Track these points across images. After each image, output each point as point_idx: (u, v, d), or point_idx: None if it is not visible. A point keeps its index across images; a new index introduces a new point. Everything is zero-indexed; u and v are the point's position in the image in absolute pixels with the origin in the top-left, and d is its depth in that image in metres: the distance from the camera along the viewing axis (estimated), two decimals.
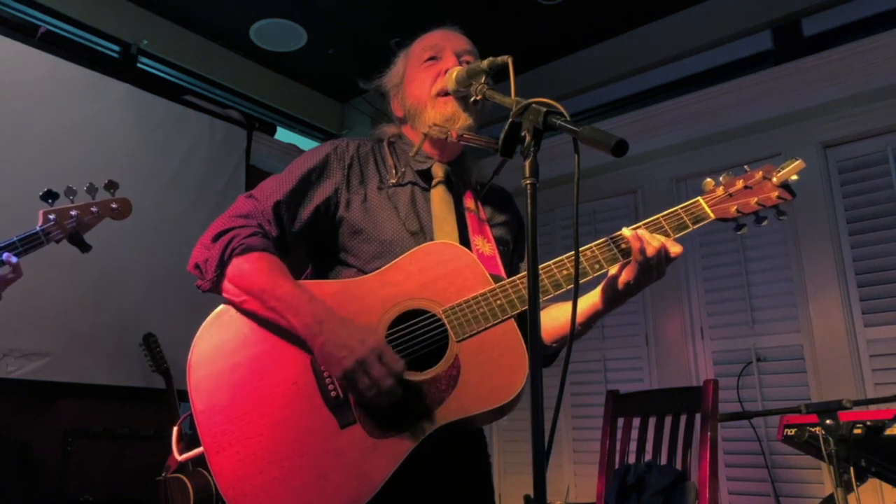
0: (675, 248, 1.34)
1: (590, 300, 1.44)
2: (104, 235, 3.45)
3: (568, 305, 1.43)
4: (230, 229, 1.38)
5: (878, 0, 3.44)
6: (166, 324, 3.51)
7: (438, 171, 1.54)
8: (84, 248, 2.26)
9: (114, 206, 2.34)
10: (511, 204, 1.68)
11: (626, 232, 1.35)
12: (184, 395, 3.49)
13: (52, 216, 2.19)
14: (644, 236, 1.32)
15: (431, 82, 1.53)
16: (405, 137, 1.60)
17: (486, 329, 1.32)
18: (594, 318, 1.44)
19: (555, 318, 1.49)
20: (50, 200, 2.18)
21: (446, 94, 1.50)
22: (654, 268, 1.33)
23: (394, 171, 1.53)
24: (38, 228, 2.17)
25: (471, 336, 1.31)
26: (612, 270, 1.38)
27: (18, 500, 3.11)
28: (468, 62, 1.53)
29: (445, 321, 1.32)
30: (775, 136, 3.57)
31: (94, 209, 2.27)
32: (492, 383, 1.28)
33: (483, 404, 1.28)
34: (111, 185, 2.28)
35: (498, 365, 1.30)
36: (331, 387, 1.30)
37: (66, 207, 2.22)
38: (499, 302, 1.33)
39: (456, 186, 1.56)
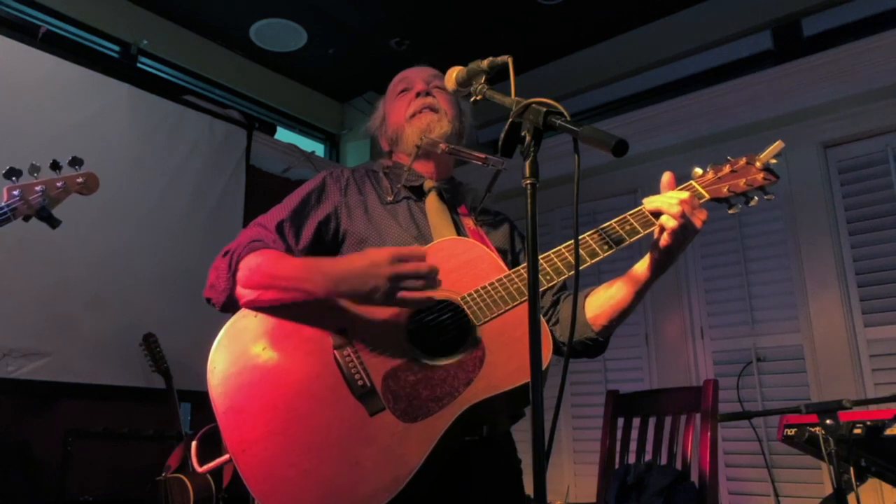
0: (694, 202, 1.35)
1: (637, 273, 1.43)
2: (105, 235, 3.48)
3: (618, 280, 1.46)
4: (237, 246, 1.43)
5: (878, 0, 3.44)
6: (166, 324, 3.51)
7: (430, 185, 1.63)
8: (53, 223, 2.22)
9: (80, 180, 2.29)
10: (506, 220, 1.73)
11: (647, 204, 1.38)
12: (184, 395, 3.48)
13: (16, 192, 2.16)
14: (666, 200, 1.35)
15: (406, 107, 1.66)
16: (397, 164, 1.69)
17: (506, 311, 1.34)
18: (644, 288, 1.43)
19: (611, 296, 1.46)
20: (13, 178, 2.17)
21: (419, 112, 1.63)
22: (689, 218, 1.33)
23: (389, 191, 1.61)
24: (2, 204, 2.14)
25: (492, 319, 1.34)
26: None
27: (18, 500, 3.11)
28: (438, 87, 1.66)
29: (465, 307, 1.35)
30: (775, 136, 3.52)
31: (59, 184, 2.24)
32: (519, 360, 1.29)
33: (511, 381, 1.29)
34: (76, 162, 2.26)
35: (522, 343, 1.29)
36: (357, 376, 1.31)
37: (30, 183, 2.20)
38: (515, 286, 1.36)
39: (449, 201, 1.64)
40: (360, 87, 4.80)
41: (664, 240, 1.35)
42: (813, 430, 2.12)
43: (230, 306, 1.40)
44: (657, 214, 1.37)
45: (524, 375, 1.28)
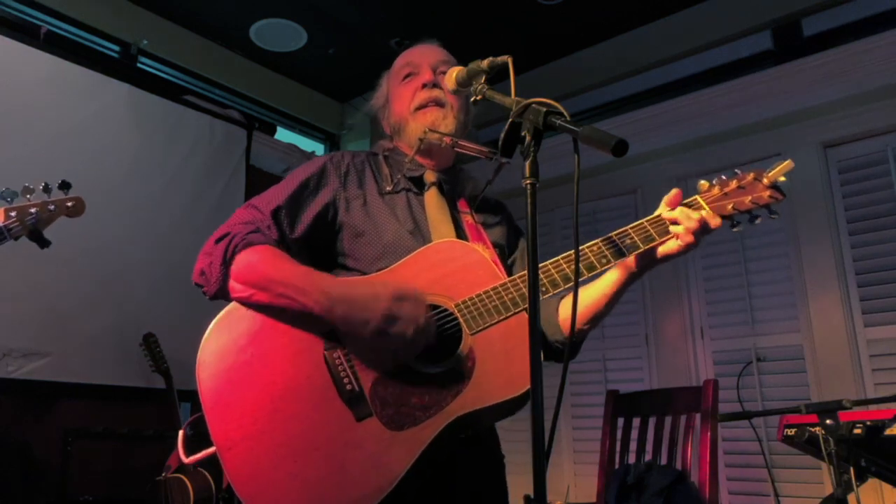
0: (715, 221, 1.39)
1: (622, 270, 1.44)
2: (104, 235, 3.48)
3: (591, 289, 1.46)
4: (230, 233, 1.39)
5: (878, 0, 3.44)
6: (166, 324, 3.51)
7: (430, 177, 1.59)
8: (43, 243, 2.32)
9: (69, 203, 2.40)
10: (503, 212, 1.72)
11: (666, 214, 1.39)
12: (184, 395, 3.49)
13: (13, 213, 2.26)
14: (687, 212, 1.37)
15: (410, 98, 1.59)
16: (398, 150, 1.64)
17: (498, 322, 1.33)
18: (626, 285, 1.45)
19: (581, 300, 1.48)
20: (9, 199, 2.25)
21: (424, 106, 1.57)
22: (695, 240, 1.37)
23: (389, 179, 1.57)
24: (1, 225, 2.24)
25: (484, 329, 1.33)
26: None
27: (18, 500, 3.11)
28: (444, 72, 1.58)
29: (458, 315, 1.34)
30: (775, 136, 3.57)
31: (51, 207, 2.34)
32: (508, 373, 1.29)
33: (500, 394, 1.29)
34: (64, 185, 2.35)
35: (513, 356, 1.31)
36: (346, 379, 1.30)
37: (25, 205, 2.29)
38: (510, 296, 1.35)
39: (448, 194, 1.60)
40: (360, 87, 4.79)
41: (669, 249, 1.38)
42: (813, 430, 2.12)
43: (221, 295, 1.38)
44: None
45: (513, 389, 1.28)
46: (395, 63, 1.69)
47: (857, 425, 2.04)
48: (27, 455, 3.16)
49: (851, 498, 1.99)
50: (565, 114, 1.11)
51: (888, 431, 2.01)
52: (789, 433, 2.23)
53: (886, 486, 2.70)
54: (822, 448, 1.98)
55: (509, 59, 1.33)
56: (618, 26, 4.13)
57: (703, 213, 1.37)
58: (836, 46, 3.44)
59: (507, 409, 1.32)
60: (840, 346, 3.21)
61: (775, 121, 3.60)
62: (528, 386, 1.24)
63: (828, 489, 2.97)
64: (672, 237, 1.38)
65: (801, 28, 3.71)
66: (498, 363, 1.31)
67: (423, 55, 1.64)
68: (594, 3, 3.89)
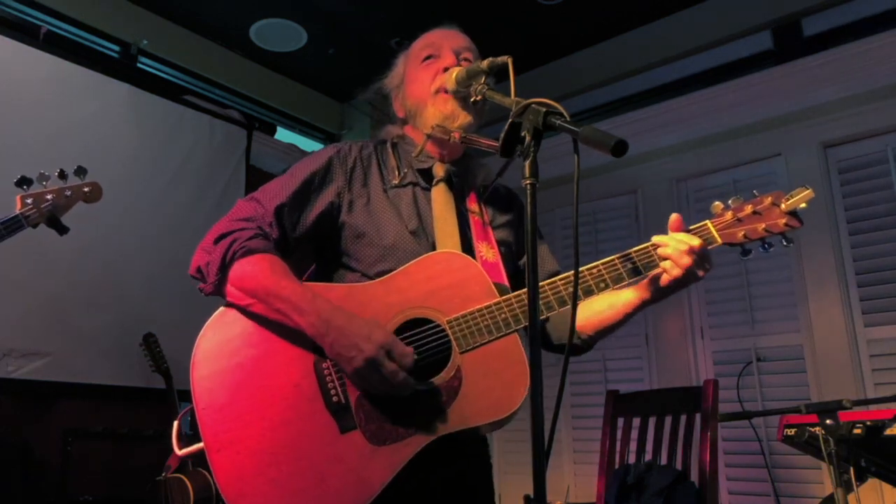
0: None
1: (636, 292, 1.44)
2: (104, 235, 3.48)
3: (609, 297, 1.46)
4: (231, 232, 1.37)
5: (878, 0, 3.44)
6: (166, 324, 3.51)
7: (439, 171, 1.53)
8: (61, 230, 2.33)
9: (86, 189, 2.41)
10: (514, 202, 1.67)
11: (659, 239, 1.36)
12: (184, 395, 3.48)
13: (29, 200, 2.27)
14: (676, 247, 1.34)
15: (430, 80, 1.53)
16: (407, 138, 1.60)
17: (489, 342, 1.32)
18: (640, 307, 1.45)
19: (599, 312, 1.49)
20: (25, 186, 2.26)
21: (445, 91, 1.49)
22: (695, 269, 1.34)
23: (396, 172, 1.53)
24: (18, 213, 2.23)
25: (474, 348, 1.32)
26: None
27: (18, 500, 3.11)
28: (467, 59, 1.54)
29: (449, 332, 1.32)
30: (775, 136, 3.57)
31: (67, 193, 2.35)
32: (493, 396, 1.29)
33: (483, 417, 1.29)
34: (80, 171, 2.36)
35: (500, 378, 1.30)
36: (332, 391, 1.30)
37: (41, 191, 2.30)
38: (503, 316, 1.33)
39: (458, 187, 1.56)
40: (359, 87, 4.79)
41: (663, 281, 1.36)
42: (813, 430, 2.12)
43: (217, 294, 1.38)
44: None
45: (497, 413, 1.28)
46: (413, 44, 1.63)
47: (857, 425, 2.05)
48: (27, 455, 3.16)
49: (851, 498, 1.99)
50: (565, 114, 1.10)
51: (888, 431, 2.01)
52: (789, 433, 2.23)
53: (886, 486, 2.70)
54: (822, 448, 1.98)
55: (509, 60, 1.33)
56: (618, 26, 4.13)
57: (695, 244, 1.33)
58: (836, 46, 3.44)
59: (491, 428, 1.33)
60: (840, 346, 3.21)
61: (775, 121, 3.60)
62: (511, 410, 1.27)
63: (828, 489, 2.97)
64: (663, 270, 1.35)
65: (801, 28, 3.70)
66: (484, 385, 1.30)
67: (446, 38, 1.59)
68: (594, 3, 3.89)
